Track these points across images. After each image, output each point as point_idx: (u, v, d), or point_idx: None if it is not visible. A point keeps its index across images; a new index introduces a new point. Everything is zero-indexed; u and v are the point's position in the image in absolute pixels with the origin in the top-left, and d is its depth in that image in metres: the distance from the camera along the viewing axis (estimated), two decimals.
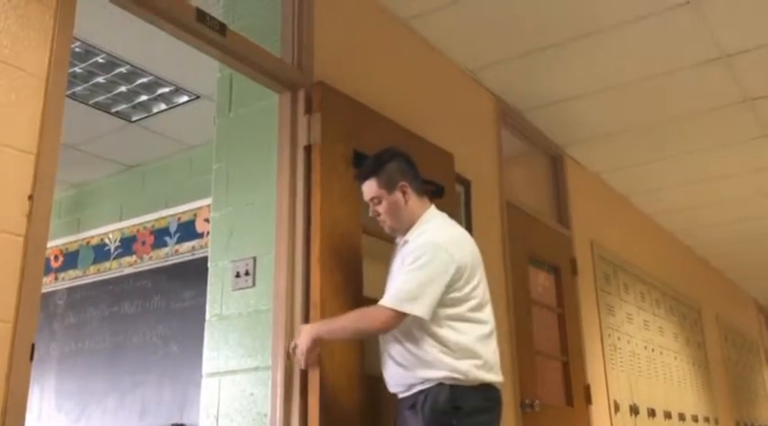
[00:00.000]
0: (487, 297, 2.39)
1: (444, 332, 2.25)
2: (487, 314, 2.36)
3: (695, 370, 6.52)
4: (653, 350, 5.68)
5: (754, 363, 8.83)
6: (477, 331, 2.29)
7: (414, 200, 2.42)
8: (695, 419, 6.10)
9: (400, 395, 2.31)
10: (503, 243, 3.82)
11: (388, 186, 2.40)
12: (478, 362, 2.25)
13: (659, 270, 6.23)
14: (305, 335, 2.30)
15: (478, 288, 2.35)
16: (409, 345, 2.27)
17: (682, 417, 5.80)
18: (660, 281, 6.19)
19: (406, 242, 2.38)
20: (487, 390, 2.28)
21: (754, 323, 9.34)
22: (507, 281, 3.77)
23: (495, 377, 2.31)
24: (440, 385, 2.21)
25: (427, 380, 2.23)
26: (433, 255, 2.25)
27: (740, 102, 4.20)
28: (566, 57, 3.74)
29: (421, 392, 2.23)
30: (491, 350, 2.32)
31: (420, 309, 2.19)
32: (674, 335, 6.23)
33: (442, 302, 2.25)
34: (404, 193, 2.40)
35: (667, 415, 5.51)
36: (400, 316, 2.20)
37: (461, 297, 2.29)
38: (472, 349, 2.25)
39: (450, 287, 2.26)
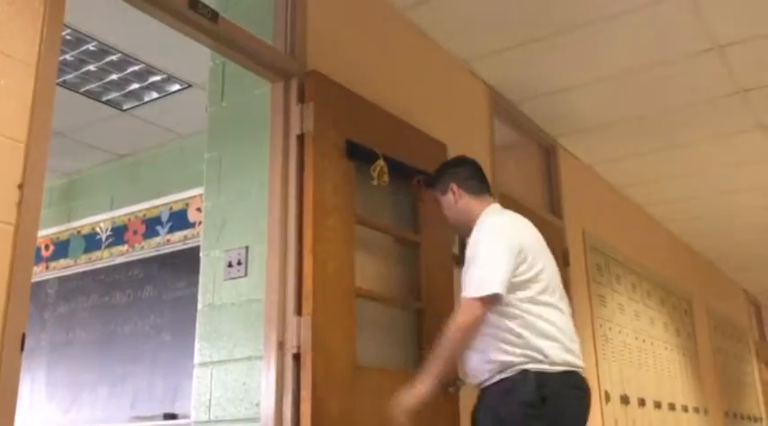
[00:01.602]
0: (557, 282, 2.44)
1: (519, 313, 2.29)
2: (558, 298, 2.41)
3: (685, 360, 6.56)
4: (644, 340, 5.71)
5: (744, 353, 8.89)
6: (549, 314, 2.33)
7: (466, 200, 2.59)
8: (685, 409, 6.15)
9: (484, 384, 2.34)
10: None
11: (442, 190, 2.66)
12: (557, 345, 2.29)
13: (651, 260, 6.25)
14: (419, 391, 2.27)
15: (544, 272, 2.40)
16: (488, 331, 2.31)
17: (672, 407, 5.84)
18: (651, 272, 6.22)
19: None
20: (572, 377, 2.31)
21: (743, 313, 9.40)
22: None
23: (576, 360, 2.33)
24: (524, 372, 2.24)
25: (510, 367, 2.26)
26: (492, 238, 2.38)
27: (733, 93, 4.20)
28: (559, 47, 3.73)
29: (504, 380, 2.26)
30: (569, 334, 2.36)
31: (495, 286, 2.25)
32: (664, 326, 6.26)
33: (513, 285, 2.30)
34: (453, 193, 2.60)
35: (657, 405, 5.55)
36: (485, 300, 2.25)
37: (529, 278, 2.34)
38: (549, 331, 2.29)
39: (517, 266, 2.32)
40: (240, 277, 2.60)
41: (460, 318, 2.28)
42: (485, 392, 2.33)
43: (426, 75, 3.59)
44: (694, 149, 5.02)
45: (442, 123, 3.48)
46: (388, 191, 2.93)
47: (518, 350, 2.26)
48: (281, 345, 2.40)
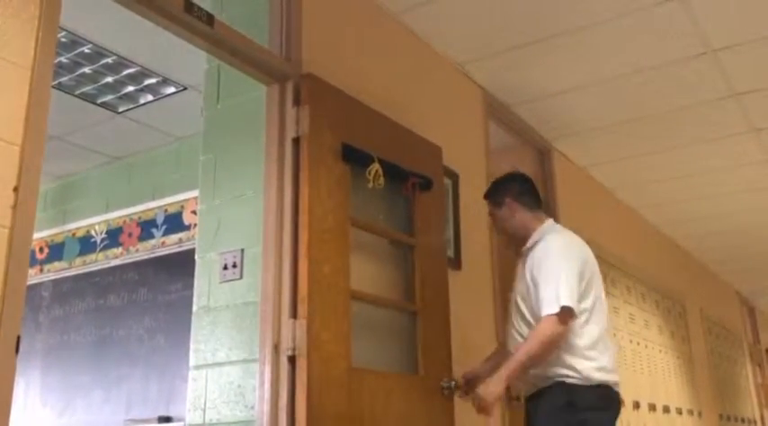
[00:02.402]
0: (602, 300, 2.53)
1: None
2: (600, 318, 2.49)
3: (680, 363, 6.57)
4: (638, 343, 5.72)
5: (738, 356, 8.91)
6: (590, 334, 2.43)
7: (522, 215, 2.68)
8: (679, 411, 6.16)
9: (527, 393, 2.52)
10: (491, 236, 3.83)
11: (497, 204, 2.74)
12: (594, 364, 2.40)
13: (645, 263, 6.27)
14: (496, 387, 2.39)
15: (593, 292, 2.49)
16: None
17: (666, 410, 5.85)
18: (646, 275, 6.23)
19: (527, 249, 2.59)
20: (602, 389, 2.42)
21: (737, 316, 9.42)
22: (495, 275, 3.77)
23: (609, 376, 2.44)
24: (559, 384, 2.39)
25: (549, 378, 2.41)
26: (563, 258, 2.47)
27: (727, 96, 4.22)
28: (554, 51, 3.74)
29: (544, 389, 2.43)
30: (607, 354, 2.47)
31: (568, 301, 2.35)
32: (659, 329, 6.27)
33: None
34: (509, 208, 2.69)
35: (652, 408, 5.56)
36: (562, 316, 2.34)
37: (583, 304, 2.45)
38: (587, 352, 2.40)
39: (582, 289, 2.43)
40: (235, 279, 2.60)
41: (542, 332, 2.37)
42: (529, 399, 2.50)
43: (421, 79, 3.60)
44: (688, 152, 5.03)
45: (438, 126, 3.49)
46: (384, 194, 2.93)
47: (553, 367, 2.40)
48: (276, 348, 2.40)
